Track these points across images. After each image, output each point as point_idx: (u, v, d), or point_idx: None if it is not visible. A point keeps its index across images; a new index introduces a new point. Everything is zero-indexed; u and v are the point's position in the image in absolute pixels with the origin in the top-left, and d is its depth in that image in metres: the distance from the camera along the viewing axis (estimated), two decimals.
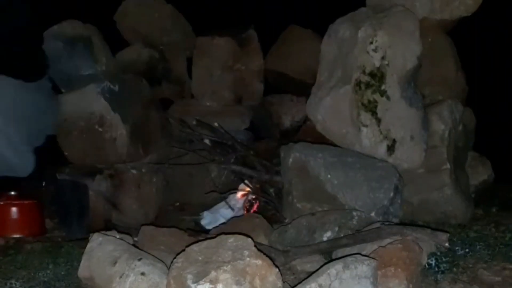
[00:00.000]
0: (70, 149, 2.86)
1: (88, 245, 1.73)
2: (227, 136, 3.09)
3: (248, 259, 1.34)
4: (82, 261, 1.70)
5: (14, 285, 1.77)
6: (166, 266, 1.55)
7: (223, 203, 2.78)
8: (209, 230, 2.47)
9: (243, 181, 2.85)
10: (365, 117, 2.29)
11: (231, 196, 2.81)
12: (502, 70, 4.44)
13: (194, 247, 1.45)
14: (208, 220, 2.70)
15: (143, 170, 2.96)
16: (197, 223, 2.73)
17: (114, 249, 1.66)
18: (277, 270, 1.38)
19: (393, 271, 1.48)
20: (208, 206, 2.84)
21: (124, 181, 2.87)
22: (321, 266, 1.46)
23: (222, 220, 2.60)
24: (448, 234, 1.65)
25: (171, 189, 3.20)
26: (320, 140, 2.45)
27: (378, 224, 1.82)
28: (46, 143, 2.08)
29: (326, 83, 2.38)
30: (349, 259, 1.42)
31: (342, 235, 1.83)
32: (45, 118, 2.06)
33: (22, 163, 1.90)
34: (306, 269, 1.74)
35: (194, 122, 3.24)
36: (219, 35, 3.47)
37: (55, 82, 2.34)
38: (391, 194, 2.13)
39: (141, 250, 1.72)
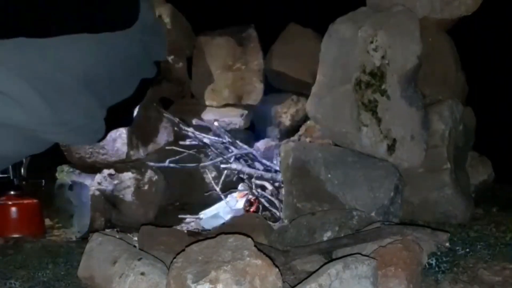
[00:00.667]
0: (70, 149, 2.87)
1: (88, 245, 1.73)
2: (226, 136, 3.10)
3: (248, 259, 1.34)
4: (82, 261, 1.70)
5: (13, 285, 1.76)
6: (166, 266, 1.54)
7: (223, 203, 2.78)
8: (209, 230, 2.47)
9: (243, 181, 2.86)
10: (365, 116, 2.28)
11: (231, 196, 2.81)
12: (502, 70, 4.43)
13: (194, 247, 1.45)
14: (208, 220, 2.70)
15: (143, 170, 2.96)
16: (198, 223, 2.73)
17: (114, 249, 1.66)
18: (277, 270, 1.38)
19: (393, 271, 1.48)
20: (208, 206, 2.84)
21: (124, 181, 2.87)
22: (321, 266, 1.45)
23: (222, 220, 2.60)
24: (449, 234, 1.64)
25: (171, 189, 3.20)
26: (320, 140, 2.45)
27: (378, 224, 1.82)
28: (140, 88, 1.84)
29: (326, 82, 2.37)
30: (349, 259, 1.41)
31: (342, 235, 1.82)
32: (140, 64, 1.83)
33: (96, 129, 1.74)
34: (306, 269, 1.73)
35: (194, 122, 3.25)
36: (219, 34, 3.47)
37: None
38: (391, 194, 2.12)
39: (141, 250, 1.72)
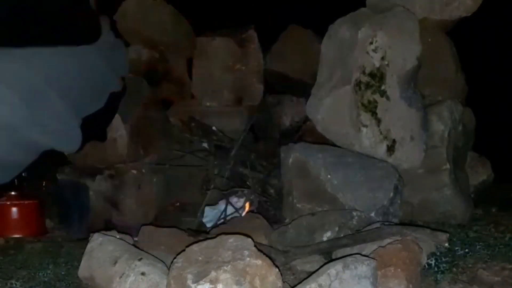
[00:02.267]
0: None
1: (88, 245, 1.73)
2: (226, 137, 3.10)
3: (248, 259, 1.34)
4: (83, 261, 1.70)
5: (14, 285, 1.77)
6: (166, 266, 1.55)
7: (224, 201, 2.78)
8: (210, 228, 2.47)
9: (243, 181, 2.86)
10: (365, 117, 2.29)
11: (231, 195, 2.81)
12: (502, 70, 4.44)
13: (194, 247, 1.46)
14: (210, 217, 2.70)
15: (143, 170, 2.96)
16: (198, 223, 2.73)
17: (114, 249, 1.67)
18: (277, 270, 1.38)
19: (393, 271, 1.48)
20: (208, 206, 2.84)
21: (124, 181, 2.87)
22: (321, 266, 1.46)
23: (223, 215, 2.60)
24: (448, 234, 1.65)
25: (171, 189, 3.20)
26: (320, 140, 2.45)
27: (378, 224, 1.83)
28: (110, 102, 2.07)
29: (326, 83, 2.38)
30: (349, 259, 1.42)
31: (342, 235, 1.83)
32: (107, 77, 2.04)
33: (73, 135, 1.90)
34: (306, 269, 1.74)
35: (193, 124, 3.25)
36: (219, 35, 3.47)
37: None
38: (391, 194, 2.13)
39: (141, 250, 1.72)
